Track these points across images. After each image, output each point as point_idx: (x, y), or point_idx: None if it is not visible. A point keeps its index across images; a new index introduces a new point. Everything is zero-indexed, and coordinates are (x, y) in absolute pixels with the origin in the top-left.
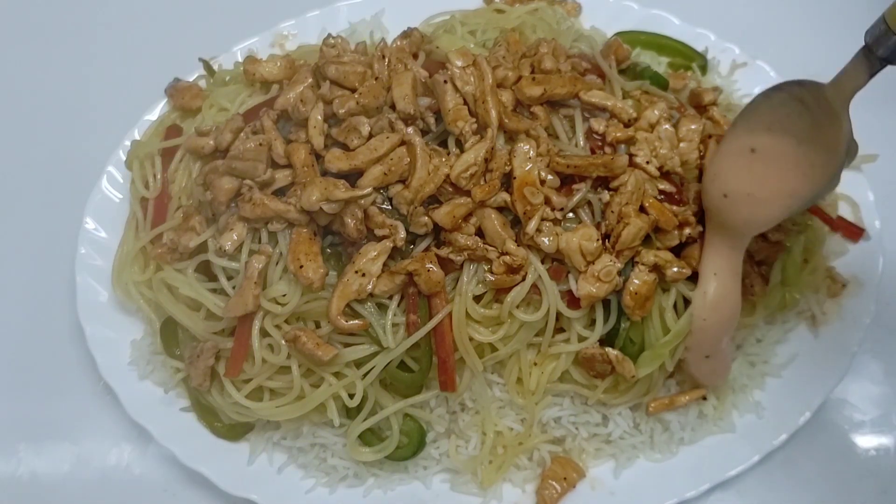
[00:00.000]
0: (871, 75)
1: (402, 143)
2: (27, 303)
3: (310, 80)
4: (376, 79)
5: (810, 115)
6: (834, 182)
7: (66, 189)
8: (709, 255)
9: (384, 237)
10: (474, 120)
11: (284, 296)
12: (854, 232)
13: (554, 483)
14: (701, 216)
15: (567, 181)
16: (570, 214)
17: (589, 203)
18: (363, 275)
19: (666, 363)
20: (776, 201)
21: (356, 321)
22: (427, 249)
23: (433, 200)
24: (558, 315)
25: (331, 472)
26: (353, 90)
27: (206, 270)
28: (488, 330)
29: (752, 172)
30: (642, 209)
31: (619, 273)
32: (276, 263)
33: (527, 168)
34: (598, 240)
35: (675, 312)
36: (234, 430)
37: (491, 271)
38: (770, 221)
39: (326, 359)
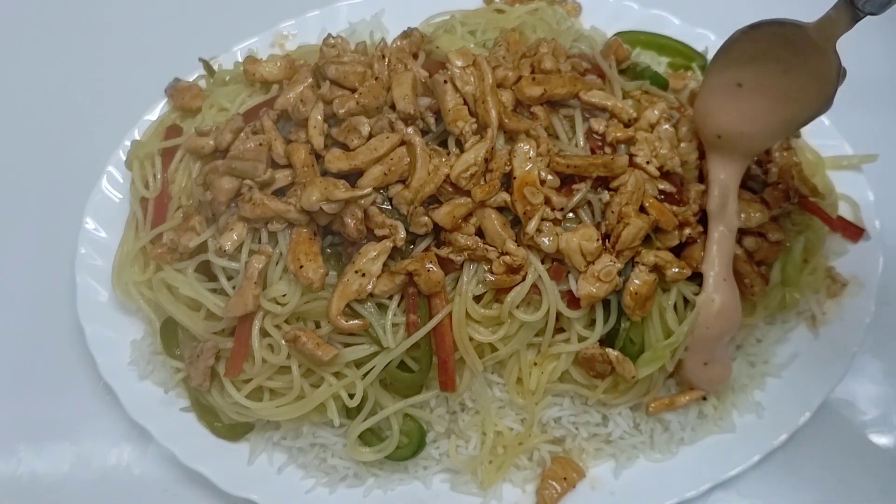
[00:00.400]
0: (855, 21)
1: (402, 143)
2: (27, 303)
3: (310, 80)
4: (376, 79)
5: (793, 47)
6: (827, 104)
7: (66, 189)
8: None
9: (384, 237)
10: (474, 120)
11: (284, 296)
12: (854, 232)
13: (554, 483)
14: (701, 217)
15: (567, 181)
16: (570, 214)
17: (589, 203)
18: (363, 275)
19: (666, 364)
20: (769, 130)
21: (356, 321)
22: (427, 249)
23: (433, 200)
24: (558, 315)
25: (331, 472)
26: (353, 90)
27: (206, 270)
28: (488, 330)
29: (741, 108)
30: (642, 209)
31: (619, 273)
32: (276, 263)
33: (527, 168)
34: (598, 240)
35: (675, 313)
36: (234, 430)
37: (491, 271)
38: (767, 146)
39: (326, 359)
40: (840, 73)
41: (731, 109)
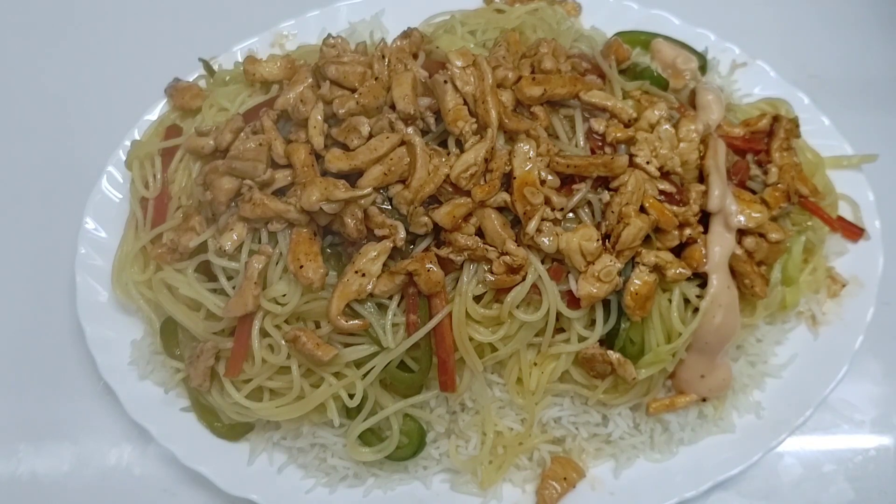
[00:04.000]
0: None
1: (402, 143)
2: (27, 303)
3: (310, 80)
4: (376, 79)
5: None
6: None
7: (66, 189)
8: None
9: (384, 237)
10: (474, 120)
11: (284, 296)
12: (854, 232)
13: (554, 483)
14: (701, 217)
15: (567, 181)
16: (570, 214)
17: (589, 203)
18: (363, 275)
19: (667, 366)
20: None
21: (356, 321)
22: (427, 249)
23: (433, 200)
24: (558, 315)
25: (331, 472)
26: (353, 90)
27: (206, 270)
28: (488, 330)
29: None
30: (642, 209)
31: (620, 273)
32: (276, 263)
33: (527, 168)
34: (598, 240)
35: (675, 313)
36: (234, 430)
37: (491, 271)
38: None
39: (326, 359)
40: None
41: None
